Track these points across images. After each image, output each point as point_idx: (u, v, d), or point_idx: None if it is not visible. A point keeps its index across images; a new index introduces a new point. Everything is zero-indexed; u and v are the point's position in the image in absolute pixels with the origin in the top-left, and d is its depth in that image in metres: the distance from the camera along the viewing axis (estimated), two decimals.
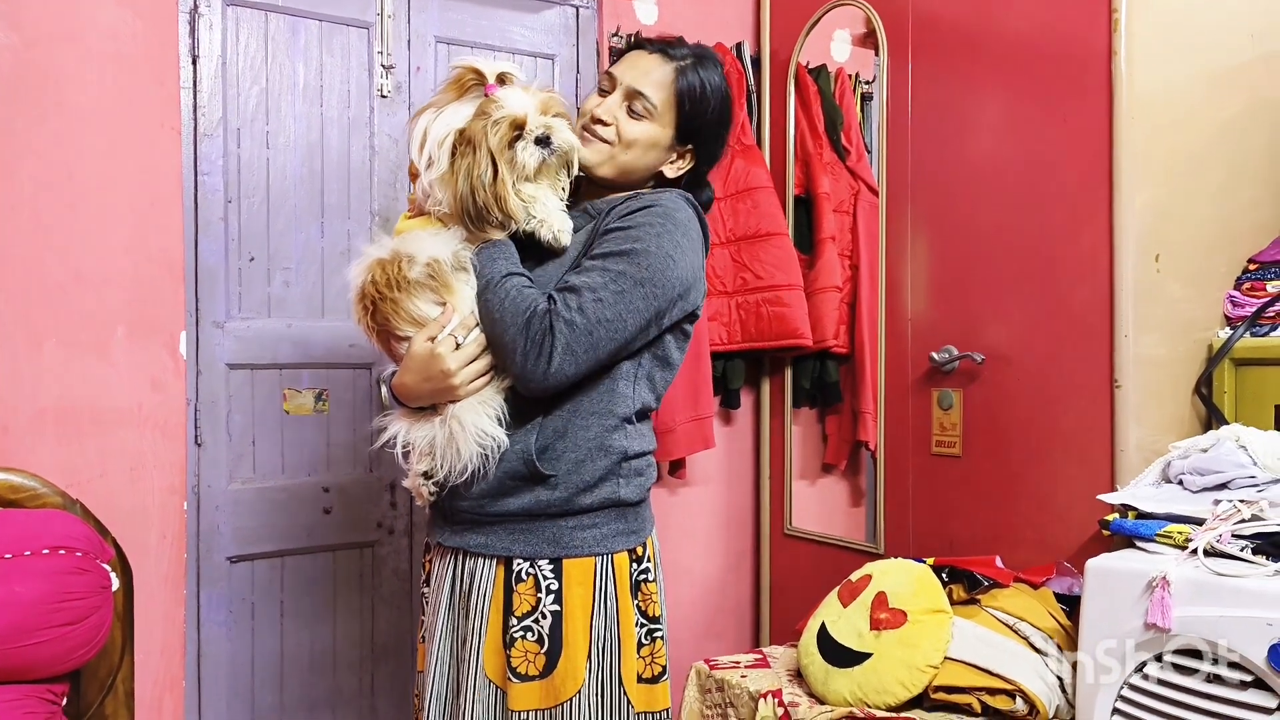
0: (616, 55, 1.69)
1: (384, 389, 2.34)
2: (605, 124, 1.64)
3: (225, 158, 2.32)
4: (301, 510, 2.42)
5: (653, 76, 1.65)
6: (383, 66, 2.50)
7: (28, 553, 1.73)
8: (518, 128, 1.54)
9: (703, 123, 1.68)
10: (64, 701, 1.80)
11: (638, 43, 1.74)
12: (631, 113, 1.64)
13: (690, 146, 1.70)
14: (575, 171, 1.63)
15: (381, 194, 2.52)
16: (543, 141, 1.55)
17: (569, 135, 1.59)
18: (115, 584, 1.87)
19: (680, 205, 1.61)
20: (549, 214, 1.59)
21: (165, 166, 2.19)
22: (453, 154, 1.55)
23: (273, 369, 2.39)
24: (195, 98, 2.28)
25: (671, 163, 1.70)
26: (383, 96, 2.51)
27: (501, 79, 1.59)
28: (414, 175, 1.70)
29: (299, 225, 2.42)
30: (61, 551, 1.77)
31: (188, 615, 2.26)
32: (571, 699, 1.55)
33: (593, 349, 1.50)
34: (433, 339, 1.55)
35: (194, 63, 2.27)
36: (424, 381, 1.56)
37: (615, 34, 2.77)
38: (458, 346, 1.55)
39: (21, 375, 2.04)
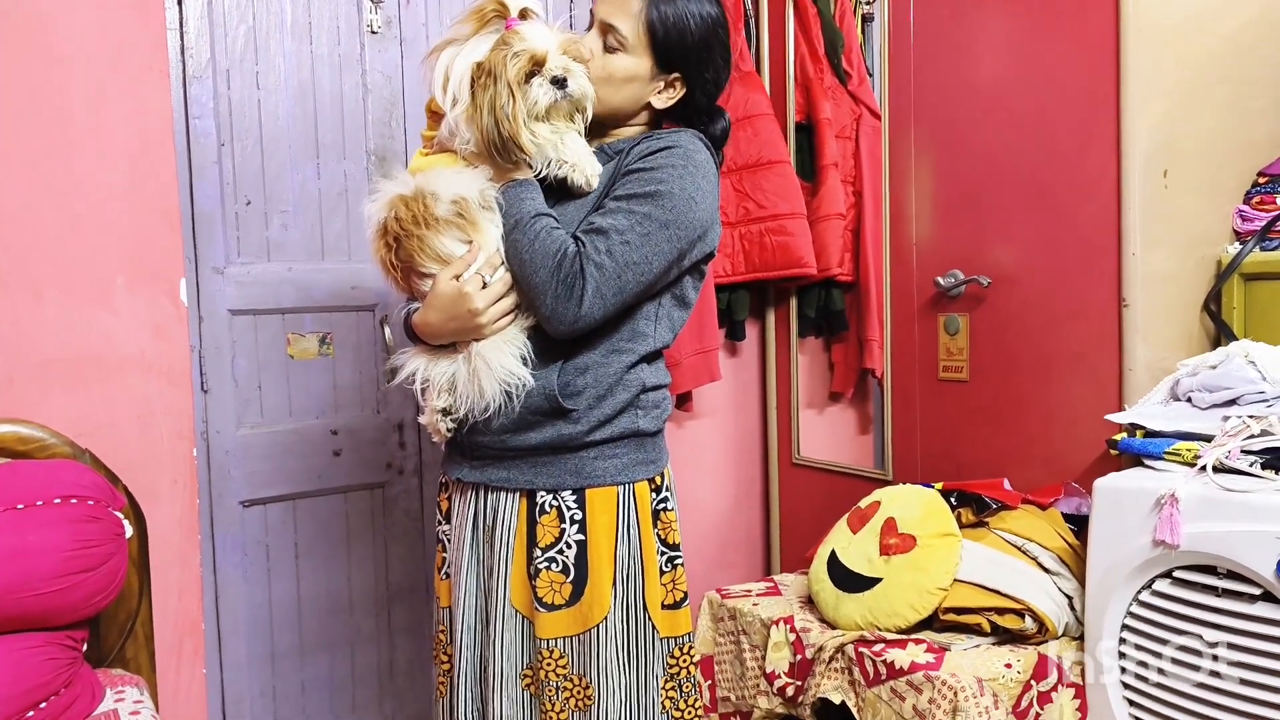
0: None
1: (387, 330, 2.34)
2: (583, 61, 1.62)
3: (215, 100, 2.28)
4: (311, 453, 2.43)
5: (628, 7, 1.62)
6: (371, 1, 2.44)
7: (39, 503, 1.74)
8: (536, 64, 1.52)
9: (685, 49, 1.63)
10: (84, 647, 1.82)
11: None
12: (607, 48, 1.63)
13: (677, 75, 1.66)
14: (589, 118, 1.61)
15: (376, 132, 2.48)
16: (559, 83, 1.53)
17: (585, 82, 1.57)
18: (129, 531, 1.88)
19: (698, 146, 1.61)
20: (580, 158, 1.57)
21: (155, 110, 2.15)
22: (472, 87, 1.53)
23: (275, 314, 2.38)
24: (182, 39, 2.23)
25: (659, 93, 1.66)
26: (373, 32, 2.46)
27: (523, 14, 1.57)
28: (434, 113, 1.67)
29: (294, 167, 2.39)
30: (73, 500, 1.77)
31: (203, 560, 2.28)
32: (599, 625, 1.58)
33: (620, 291, 1.51)
34: (458, 277, 1.54)
35: (179, 3, 2.22)
36: (450, 320, 1.56)
37: None
38: (484, 285, 1.54)
39: (23, 326, 2.03)
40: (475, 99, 1.52)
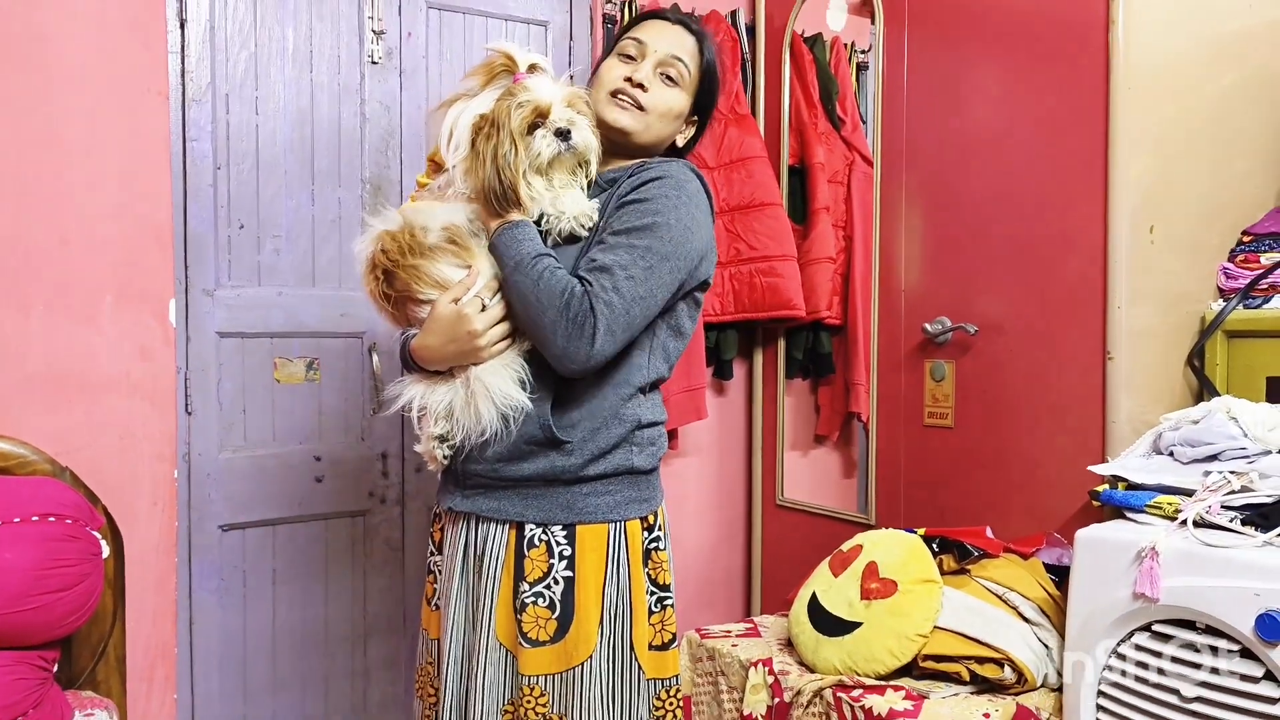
0: (611, 25, 1.68)
1: (375, 358, 2.34)
2: (644, 89, 1.63)
3: (214, 123, 2.29)
4: (293, 479, 2.42)
5: (686, 46, 1.67)
6: (373, 32, 2.47)
7: (17, 520, 1.73)
8: (540, 115, 1.53)
9: (714, 94, 1.73)
10: (55, 668, 1.80)
11: (655, 13, 1.74)
12: (667, 79, 1.65)
13: (695, 117, 1.73)
14: (593, 172, 1.62)
15: (373, 161, 2.50)
16: (563, 135, 1.53)
17: (589, 136, 1.57)
18: (106, 551, 1.87)
19: (689, 175, 1.62)
20: (568, 205, 1.57)
21: (153, 132, 2.17)
22: (474, 136, 1.53)
23: (263, 337, 2.38)
24: (183, 63, 2.25)
25: (681, 132, 1.72)
26: (373, 62, 2.48)
27: (532, 69, 1.58)
28: (434, 163, 1.69)
29: (289, 192, 2.40)
30: (51, 519, 1.76)
31: (179, 583, 2.26)
32: (583, 664, 1.56)
33: (629, 327, 1.51)
34: (456, 300, 1.55)
35: (182, 27, 2.24)
36: (449, 343, 1.55)
37: (609, 1, 2.74)
38: (484, 308, 1.55)
39: (9, 342, 2.02)
40: (476, 148, 1.52)
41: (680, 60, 1.65)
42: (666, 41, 1.65)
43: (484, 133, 1.52)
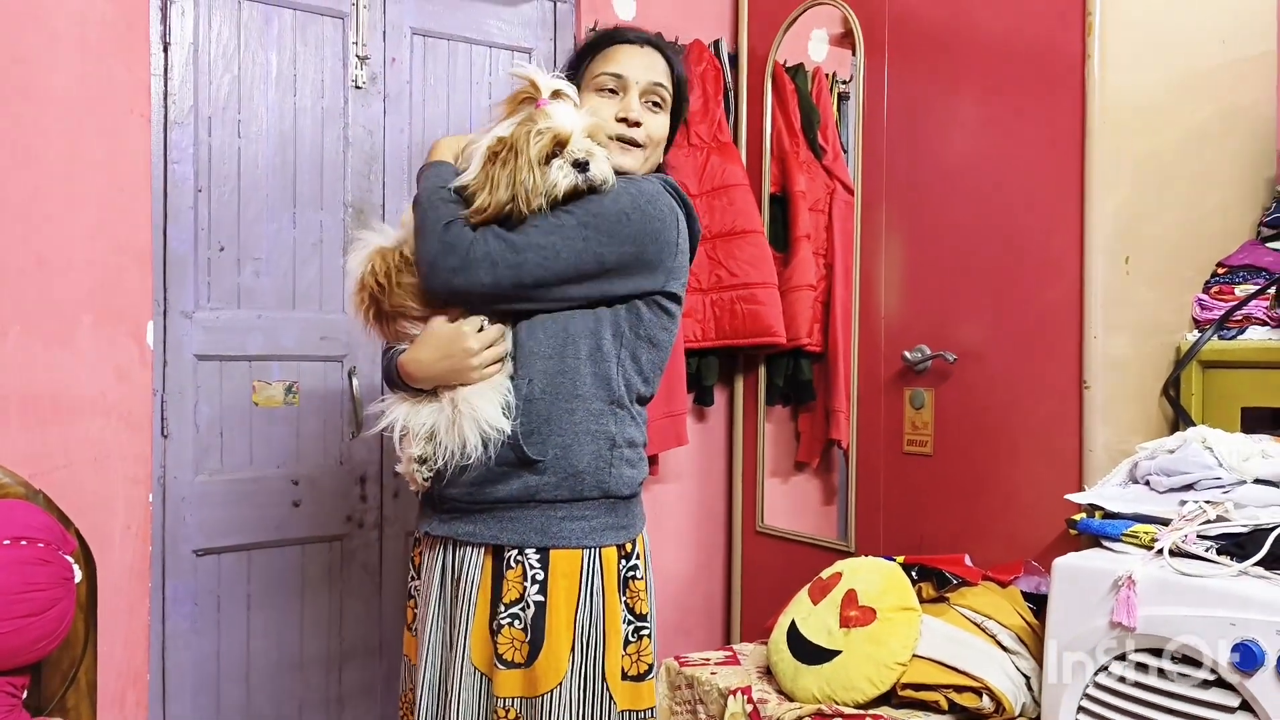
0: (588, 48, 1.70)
1: (355, 381, 2.33)
2: (639, 125, 1.65)
3: (196, 146, 2.29)
4: (270, 503, 2.40)
5: (660, 68, 1.69)
6: (357, 57, 2.48)
7: None
8: (559, 144, 1.51)
9: (684, 107, 1.76)
10: (24, 694, 1.77)
11: (619, 36, 1.73)
12: (654, 106, 1.68)
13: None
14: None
15: (355, 185, 2.50)
16: (580, 166, 1.52)
17: (607, 168, 1.56)
18: (78, 576, 1.84)
19: (656, 186, 1.62)
20: None
21: (134, 153, 2.16)
22: (488, 159, 1.52)
23: (242, 360, 2.36)
24: (166, 85, 2.25)
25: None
26: (357, 87, 2.49)
27: (555, 95, 1.56)
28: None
29: (271, 215, 2.39)
30: (23, 542, 1.74)
31: (152, 609, 2.23)
32: (552, 691, 1.54)
33: (516, 268, 1.50)
34: (454, 318, 1.56)
35: (165, 50, 2.24)
36: (442, 359, 1.56)
37: (593, 29, 2.75)
38: (481, 328, 1.56)
39: None
40: (488, 170, 1.51)
41: (661, 85, 1.68)
42: (643, 69, 1.67)
43: (501, 157, 1.51)
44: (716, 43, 2.93)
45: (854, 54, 2.61)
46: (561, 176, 1.51)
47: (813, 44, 2.91)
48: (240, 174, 2.35)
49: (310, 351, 2.44)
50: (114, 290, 2.14)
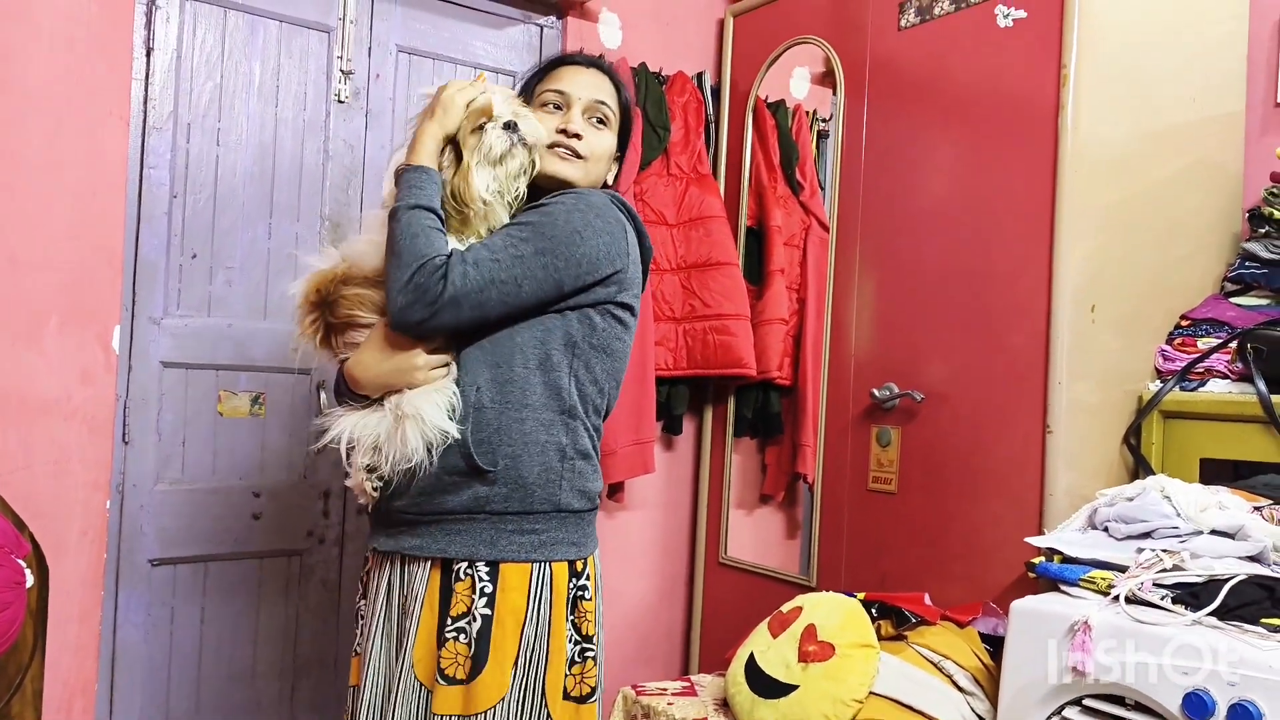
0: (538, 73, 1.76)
1: (323, 395, 2.31)
2: (579, 137, 1.67)
3: (174, 152, 2.28)
4: (230, 515, 2.37)
5: (605, 89, 1.72)
6: (342, 72, 2.48)
7: None
8: (485, 115, 1.57)
9: (629, 133, 1.78)
10: None
11: (566, 60, 1.79)
12: (598, 123, 1.70)
13: (619, 154, 1.78)
14: (534, 173, 1.64)
15: (333, 198, 2.49)
16: (510, 127, 1.57)
17: (536, 126, 1.61)
18: (30, 580, 1.81)
19: (602, 198, 1.64)
20: (494, 223, 1.62)
21: (111, 156, 2.15)
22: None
23: (209, 369, 2.34)
24: (147, 89, 2.24)
25: (610, 170, 1.77)
26: (340, 102, 2.49)
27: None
28: None
29: (246, 224, 2.38)
30: None
31: (104, 617, 2.19)
32: (488, 711, 1.52)
33: (480, 306, 1.51)
34: None
35: (148, 54, 2.24)
36: (385, 360, 1.55)
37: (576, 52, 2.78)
38: None
39: None
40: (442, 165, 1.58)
41: (604, 103, 1.71)
42: (587, 87, 1.71)
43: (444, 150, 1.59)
44: (700, 75, 2.96)
45: (835, 93, 2.64)
46: (497, 140, 1.57)
47: (795, 81, 2.94)
48: (217, 182, 2.34)
49: (279, 363, 2.42)
50: (83, 292, 2.11)
